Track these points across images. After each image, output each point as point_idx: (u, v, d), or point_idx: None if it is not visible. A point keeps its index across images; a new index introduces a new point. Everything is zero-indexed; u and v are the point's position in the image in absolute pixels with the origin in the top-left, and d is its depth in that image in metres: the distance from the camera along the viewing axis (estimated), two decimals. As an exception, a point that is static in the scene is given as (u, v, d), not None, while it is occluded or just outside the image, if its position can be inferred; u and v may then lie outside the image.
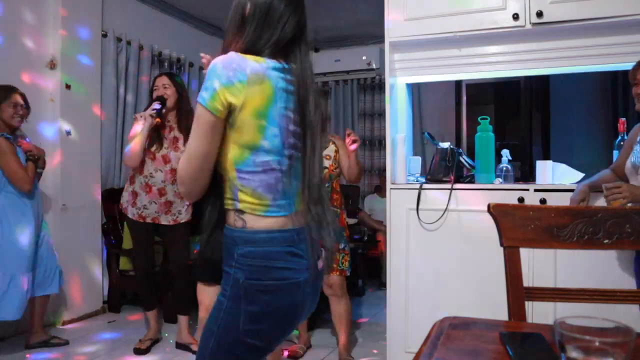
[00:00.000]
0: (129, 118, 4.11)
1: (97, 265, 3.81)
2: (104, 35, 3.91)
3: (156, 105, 2.79)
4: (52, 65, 3.49)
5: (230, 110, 1.08)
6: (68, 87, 3.54)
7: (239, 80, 1.07)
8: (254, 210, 1.13)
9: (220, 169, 1.15)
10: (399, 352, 2.43)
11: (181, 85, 2.99)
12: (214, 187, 1.18)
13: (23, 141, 2.87)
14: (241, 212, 1.14)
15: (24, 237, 2.82)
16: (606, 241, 1.15)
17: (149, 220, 2.93)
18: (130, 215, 2.95)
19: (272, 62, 1.13)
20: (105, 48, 3.91)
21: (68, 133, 3.55)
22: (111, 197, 3.92)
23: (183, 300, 3.10)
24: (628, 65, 2.05)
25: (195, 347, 3.03)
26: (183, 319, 3.09)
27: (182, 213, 2.98)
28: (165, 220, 2.94)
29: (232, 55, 1.10)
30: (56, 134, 3.49)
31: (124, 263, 3.82)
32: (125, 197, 2.97)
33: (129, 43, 4.14)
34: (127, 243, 3.78)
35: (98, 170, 3.84)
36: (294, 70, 1.16)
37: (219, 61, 1.09)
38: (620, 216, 1.15)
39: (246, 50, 1.14)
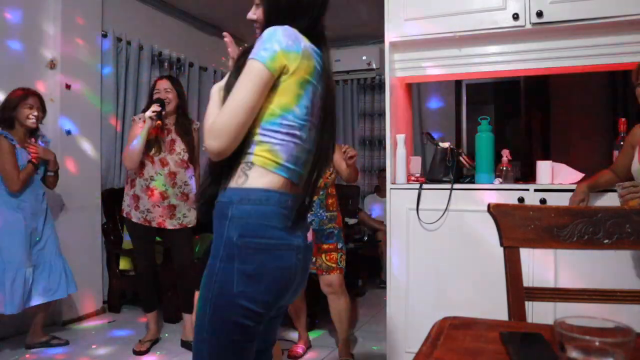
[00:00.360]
0: (129, 118, 4.12)
1: (97, 265, 3.81)
2: (104, 35, 3.91)
3: (156, 108, 2.80)
4: (52, 65, 3.49)
5: (281, 73, 1.16)
6: (68, 87, 3.54)
7: (295, 50, 1.17)
8: (264, 164, 1.17)
9: None
10: (399, 352, 2.43)
11: (181, 90, 3.01)
12: (218, 167, 1.20)
13: (31, 145, 2.88)
14: (250, 165, 1.17)
15: (16, 234, 2.81)
16: (606, 241, 1.15)
17: (154, 224, 2.93)
18: (135, 220, 2.93)
19: (314, 47, 1.24)
20: (105, 48, 3.91)
21: (68, 133, 3.55)
22: (111, 197, 3.92)
23: (187, 299, 3.08)
24: (628, 66, 2.05)
25: None
26: (187, 317, 3.09)
27: (188, 216, 2.99)
28: (171, 224, 2.95)
29: (289, 28, 1.19)
30: (56, 134, 3.49)
31: (124, 263, 3.82)
32: (127, 201, 2.96)
33: (129, 43, 4.14)
34: (127, 243, 3.78)
35: (98, 170, 3.84)
36: (324, 58, 1.26)
37: (279, 28, 1.17)
38: (620, 216, 1.15)
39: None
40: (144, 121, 2.80)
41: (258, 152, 1.17)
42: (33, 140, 2.94)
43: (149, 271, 3.06)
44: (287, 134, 1.18)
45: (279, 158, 1.17)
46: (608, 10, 2.11)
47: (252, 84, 1.14)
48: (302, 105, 1.19)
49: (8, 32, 3.27)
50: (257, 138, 1.18)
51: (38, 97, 2.94)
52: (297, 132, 1.19)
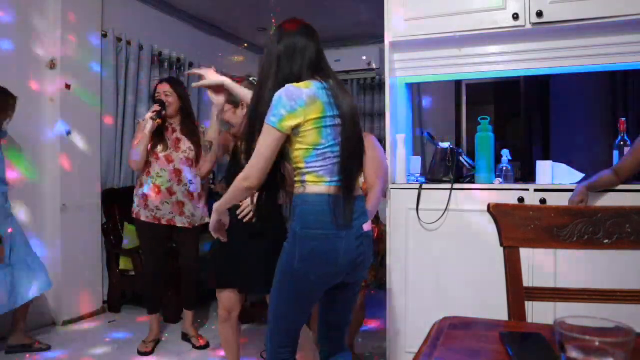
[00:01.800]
0: (129, 118, 4.12)
1: (97, 265, 3.81)
2: (104, 35, 3.91)
3: (156, 108, 2.86)
4: (52, 66, 3.49)
5: (294, 127, 1.50)
6: (68, 87, 3.54)
7: (299, 105, 1.49)
8: (315, 183, 1.55)
9: (290, 163, 1.60)
10: (399, 352, 2.43)
11: (182, 92, 3.01)
12: (270, 184, 1.63)
13: None
14: (305, 184, 1.56)
15: None
16: (606, 241, 1.15)
17: (164, 222, 2.95)
18: (143, 218, 2.95)
19: (316, 83, 1.55)
20: (105, 48, 3.91)
21: (68, 133, 3.55)
22: (111, 197, 3.93)
23: (190, 297, 3.19)
24: (628, 65, 2.05)
25: (195, 341, 3.11)
26: (189, 313, 3.19)
27: (196, 216, 3.02)
28: (180, 222, 2.97)
29: (290, 87, 1.51)
30: (56, 134, 3.49)
31: (124, 263, 3.82)
32: (136, 201, 2.99)
33: (129, 43, 4.14)
34: (127, 243, 3.79)
35: (98, 170, 3.84)
36: (331, 84, 1.58)
37: (282, 94, 1.50)
38: (620, 216, 1.15)
39: (287, 78, 1.55)
40: (147, 122, 2.85)
41: (308, 179, 1.55)
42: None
43: (157, 272, 3.06)
44: (324, 158, 1.54)
45: (324, 179, 1.54)
46: (608, 10, 2.11)
47: (267, 143, 1.51)
48: (326, 134, 1.53)
49: (7, 32, 3.27)
50: (304, 170, 1.55)
51: (5, 96, 2.86)
52: (330, 154, 1.54)
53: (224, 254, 2.21)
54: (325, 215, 1.52)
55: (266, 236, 2.13)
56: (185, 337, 3.20)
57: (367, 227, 1.63)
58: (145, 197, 2.93)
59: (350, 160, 1.57)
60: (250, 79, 2.22)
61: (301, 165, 1.56)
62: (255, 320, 3.52)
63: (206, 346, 3.11)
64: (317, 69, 1.60)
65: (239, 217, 2.10)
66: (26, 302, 2.87)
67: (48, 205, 3.48)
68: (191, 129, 3.01)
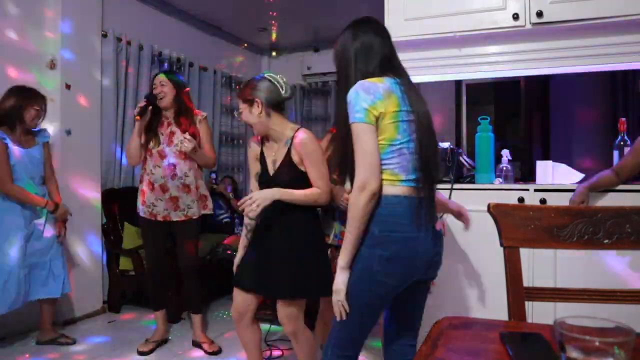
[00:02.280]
0: (129, 118, 4.11)
1: (97, 265, 3.81)
2: (104, 35, 3.91)
3: (142, 103, 2.83)
4: (52, 66, 3.49)
5: (377, 118, 1.46)
6: (68, 87, 3.54)
7: (378, 98, 1.46)
8: (391, 183, 1.49)
9: None
10: (399, 352, 2.42)
11: (178, 82, 2.97)
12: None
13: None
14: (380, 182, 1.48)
15: (12, 236, 2.81)
16: (606, 241, 1.15)
17: (159, 218, 2.93)
18: (142, 214, 2.95)
19: (388, 79, 1.53)
20: (105, 48, 3.91)
21: (68, 133, 3.55)
22: (111, 197, 3.92)
23: (194, 299, 3.09)
24: (628, 66, 2.05)
25: (207, 347, 3.03)
26: (196, 318, 3.09)
27: (193, 208, 2.96)
28: (175, 216, 2.94)
29: (365, 82, 1.49)
30: (56, 134, 3.49)
31: (124, 263, 3.82)
32: (138, 198, 2.99)
33: (129, 43, 4.14)
34: (127, 243, 3.79)
35: (98, 170, 3.84)
36: (402, 80, 1.56)
37: (359, 89, 1.47)
38: (620, 216, 1.15)
39: (365, 76, 1.52)
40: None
41: (384, 177, 1.48)
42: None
43: (156, 270, 3.03)
44: (399, 155, 1.49)
45: (399, 177, 1.49)
46: (608, 10, 2.11)
47: (364, 138, 1.45)
48: (402, 129, 1.49)
49: (7, 32, 3.27)
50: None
51: (44, 99, 2.99)
52: (405, 150, 1.49)
53: (246, 254, 2.20)
54: (405, 217, 1.47)
55: (285, 240, 2.10)
56: (196, 344, 3.08)
57: (438, 226, 1.61)
58: (143, 193, 2.94)
59: (428, 157, 1.52)
60: (267, 75, 2.13)
61: None
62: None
63: (218, 352, 3.00)
64: (391, 66, 1.59)
65: (240, 208, 1.99)
66: (51, 299, 3.02)
67: (48, 205, 3.48)
68: (188, 121, 2.93)
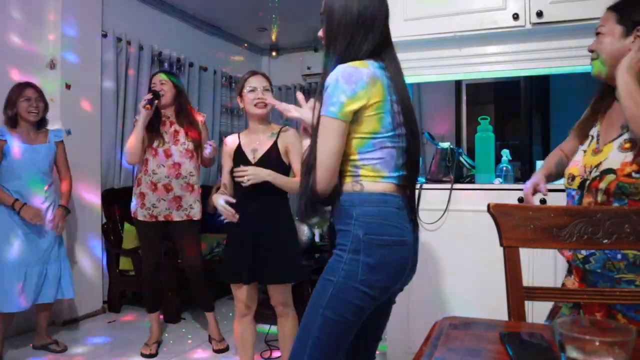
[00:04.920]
0: (129, 118, 4.11)
1: (97, 266, 3.81)
2: (104, 35, 3.91)
3: (148, 97, 2.81)
4: (52, 66, 3.49)
5: (357, 111, 1.30)
6: (68, 87, 3.54)
7: (360, 88, 1.28)
8: (373, 180, 1.34)
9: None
10: (399, 352, 2.43)
11: (178, 82, 2.99)
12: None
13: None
14: (359, 180, 1.35)
15: (15, 236, 2.81)
16: (605, 241, 1.15)
17: (160, 218, 2.92)
18: (140, 218, 2.92)
19: (375, 63, 1.34)
20: (105, 48, 3.91)
21: (68, 133, 3.55)
22: (111, 197, 3.93)
23: (203, 299, 3.11)
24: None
25: (215, 344, 3.07)
26: (210, 316, 3.11)
27: (195, 208, 2.97)
28: (177, 216, 2.94)
29: (347, 68, 1.30)
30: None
31: (124, 263, 3.82)
32: (134, 201, 2.96)
33: (129, 43, 4.15)
34: (127, 243, 3.79)
35: (98, 170, 3.84)
36: (389, 67, 1.37)
37: (339, 76, 1.29)
38: (620, 216, 1.15)
39: (344, 56, 1.33)
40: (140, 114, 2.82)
41: (363, 173, 1.34)
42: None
43: (156, 271, 3.03)
44: (381, 149, 1.33)
45: (382, 172, 1.34)
46: (608, 10, 2.11)
47: (331, 135, 1.30)
48: (386, 122, 1.33)
49: (8, 32, 3.27)
50: (359, 163, 1.34)
51: (34, 88, 2.92)
52: (389, 144, 1.34)
53: (232, 249, 2.25)
54: (392, 219, 1.32)
55: (273, 228, 2.18)
56: (210, 340, 3.15)
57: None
58: (142, 195, 2.91)
59: (414, 152, 1.39)
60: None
61: (354, 157, 1.35)
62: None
63: (224, 350, 3.04)
64: (379, 52, 1.38)
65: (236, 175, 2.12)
66: (47, 304, 2.97)
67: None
68: (189, 120, 2.96)
